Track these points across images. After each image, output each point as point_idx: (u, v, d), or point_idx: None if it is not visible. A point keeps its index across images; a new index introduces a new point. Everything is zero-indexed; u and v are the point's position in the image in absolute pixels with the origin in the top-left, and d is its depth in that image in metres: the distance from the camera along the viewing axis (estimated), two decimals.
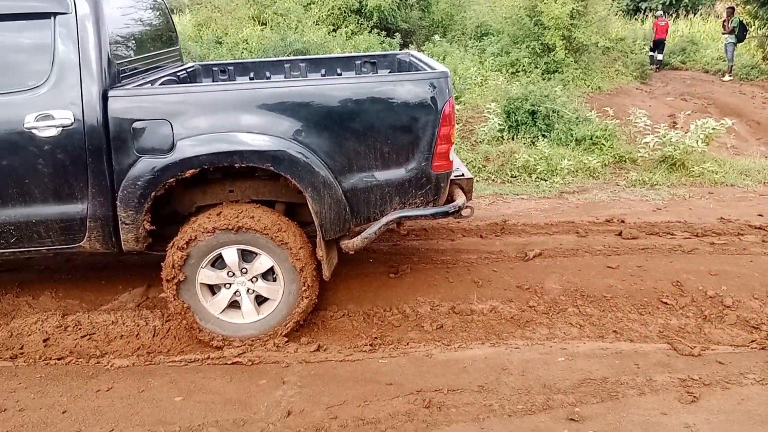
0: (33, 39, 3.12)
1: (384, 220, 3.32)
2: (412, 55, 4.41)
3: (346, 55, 5.62)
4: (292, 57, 5.81)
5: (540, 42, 11.34)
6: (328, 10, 12.08)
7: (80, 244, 3.23)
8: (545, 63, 11.34)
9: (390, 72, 4.68)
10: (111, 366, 3.03)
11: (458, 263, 4.18)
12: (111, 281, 3.98)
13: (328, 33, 11.14)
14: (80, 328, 3.50)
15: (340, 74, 4.68)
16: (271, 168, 3.13)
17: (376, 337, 3.42)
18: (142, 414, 2.58)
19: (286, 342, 3.31)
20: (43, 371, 2.97)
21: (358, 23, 12.16)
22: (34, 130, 3.03)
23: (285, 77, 4.64)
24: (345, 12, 12.26)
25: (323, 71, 4.69)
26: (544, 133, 7.35)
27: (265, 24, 11.52)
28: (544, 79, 10.19)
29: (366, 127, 3.19)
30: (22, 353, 3.29)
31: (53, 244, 3.24)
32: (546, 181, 6.41)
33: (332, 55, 5.51)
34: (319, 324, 3.57)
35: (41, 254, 3.31)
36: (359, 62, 4.75)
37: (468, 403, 2.74)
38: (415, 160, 3.26)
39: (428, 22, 13.91)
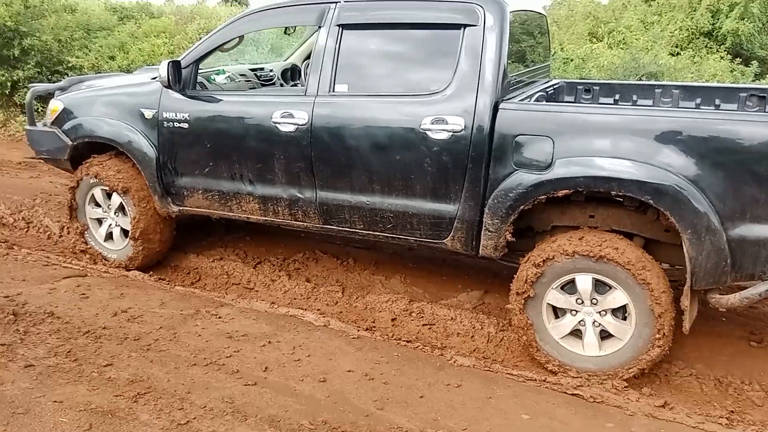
0: (441, 48, 3.40)
1: None
2: None
3: (725, 85, 5.05)
4: (664, 82, 5.45)
5: None
6: (673, 31, 11.17)
7: (443, 241, 3.46)
8: None
9: None
10: (455, 362, 3.18)
11: None
12: (451, 279, 4.23)
13: (670, 55, 10.29)
14: (422, 317, 3.77)
15: (719, 106, 4.20)
16: (650, 201, 2.93)
17: (732, 411, 2.98)
18: (491, 421, 2.63)
19: (625, 387, 3.09)
20: (398, 350, 3.25)
21: (706, 47, 11.01)
22: (428, 132, 3.31)
23: (653, 103, 4.35)
24: (693, 34, 11.20)
25: (698, 101, 4.26)
26: None
27: (601, 41, 11.15)
28: None
29: None
30: (374, 327, 3.68)
31: (420, 236, 3.52)
32: None
33: (708, 84, 5.02)
34: (660, 377, 3.27)
35: (407, 243, 3.64)
36: (744, 95, 4.20)
37: None
38: None
39: None
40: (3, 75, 8.65)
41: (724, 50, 10.70)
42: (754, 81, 9.68)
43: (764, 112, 4.01)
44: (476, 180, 3.28)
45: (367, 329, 3.59)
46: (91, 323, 3.24)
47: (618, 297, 3.10)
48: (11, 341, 2.98)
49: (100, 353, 2.96)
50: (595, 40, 11.17)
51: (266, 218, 3.88)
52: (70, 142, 4.37)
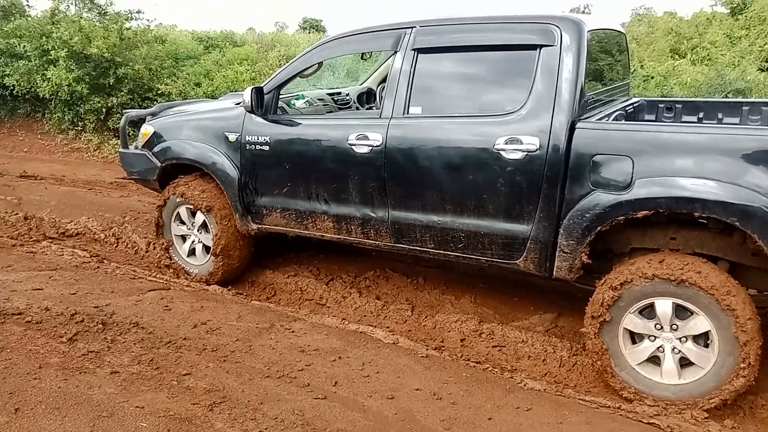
0: (517, 68, 3.39)
1: None
2: None
3: None
4: (752, 99, 5.20)
5: None
6: (763, 46, 10.58)
7: (516, 261, 3.42)
8: None
9: None
10: (524, 385, 3.11)
11: None
12: (522, 300, 4.16)
13: (760, 70, 9.75)
14: (492, 338, 3.73)
15: None
16: (736, 223, 2.79)
17: None
18: None
19: (705, 418, 2.92)
20: (467, 371, 3.21)
21: None
22: (502, 152, 3.29)
23: (740, 121, 4.15)
24: None
25: None
26: None
27: (683, 57, 10.71)
28: None
29: None
30: (443, 346, 3.66)
31: (492, 256, 3.49)
32: None
33: None
34: (745, 409, 3.08)
35: (478, 263, 3.61)
36: None
37: None
38: None
39: None
40: (99, 102, 9.31)
41: None
42: None
43: None
44: (551, 200, 3.23)
45: (435, 348, 3.58)
46: (173, 334, 3.40)
47: (700, 323, 2.95)
48: (99, 348, 3.18)
49: (180, 363, 3.10)
50: (677, 56, 10.74)
51: (340, 236, 3.97)
52: (159, 164, 4.65)
